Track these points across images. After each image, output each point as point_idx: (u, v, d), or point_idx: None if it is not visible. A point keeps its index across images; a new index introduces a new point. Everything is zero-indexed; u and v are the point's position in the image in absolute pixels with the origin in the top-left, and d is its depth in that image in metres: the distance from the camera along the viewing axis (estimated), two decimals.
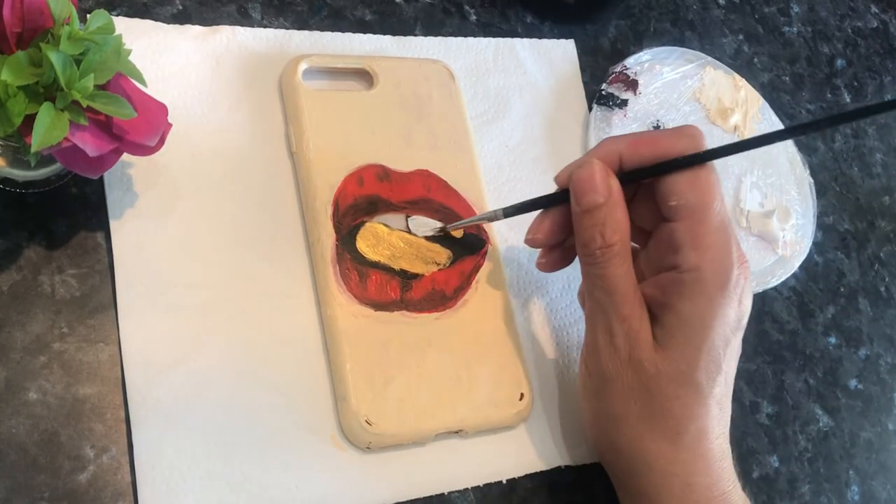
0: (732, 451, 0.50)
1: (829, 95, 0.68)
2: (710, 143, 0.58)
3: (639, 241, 0.42)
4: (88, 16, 0.34)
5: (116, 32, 0.34)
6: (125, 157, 0.37)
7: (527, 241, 0.43)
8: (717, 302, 0.38)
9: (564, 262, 0.44)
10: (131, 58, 0.35)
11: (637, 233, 0.42)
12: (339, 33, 0.50)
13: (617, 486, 0.43)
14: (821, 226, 0.61)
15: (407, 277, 0.44)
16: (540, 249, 0.44)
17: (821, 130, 0.37)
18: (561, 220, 0.42)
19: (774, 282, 0.56)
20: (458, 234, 0.46)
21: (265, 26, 0.48)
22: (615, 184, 0.39)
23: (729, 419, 0.41)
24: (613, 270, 0.39)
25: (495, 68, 0.54)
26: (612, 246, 0.39)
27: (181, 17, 0.46)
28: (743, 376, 0.53)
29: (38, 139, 0.32)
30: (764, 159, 0.60)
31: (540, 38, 0.56)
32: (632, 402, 0.39)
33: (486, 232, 0.47)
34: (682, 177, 0.39)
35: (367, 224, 0.44)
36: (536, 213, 0.43)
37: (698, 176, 0.39)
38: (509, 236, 0.49)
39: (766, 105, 0.63)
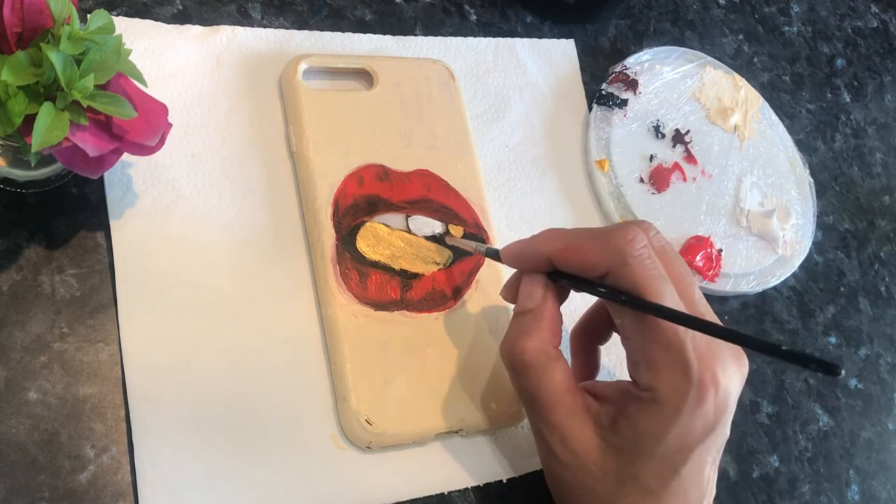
0: (732, 452, 0.50)
1: (829, 95, 0.68)
2: (710, 142, 0.58)
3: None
4: (88, 16, 0.34)
5: (116, 32, 0.34)
6: (125, 157, 0.37)
7: (501, 295, 0.42)
8: (672, 421, 0.36)
9: None
10: (131, 58, 0.35)
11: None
12: (339, 33, 0.50)
13: None
14: (821, 225, 0.62)
15: (407, 277, 0.44)
16: None
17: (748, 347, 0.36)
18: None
19: (774, 281, 0.56)
20: (458, 234, 0.46)
21: (265, 26, 0.48)
22: (549, 291, 0.39)
23: None
24: (530, 381, 0.38)
25: (495, 68, 0.54)
26: (525, 358, 0.38)
27: (181, 17, 0.46)
28: None
29: (39, 139, 0.32)
30: (764, 159, 0.60)
31: (540, 37, 0.56)
32: (579, 499, 0.38)
33: (486, 232, 0.47)
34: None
35: (367, 224, 0.44)
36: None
37: (631, 291, 0.36)
38: (509, 236, 0.49)
39: (766, 105, 0.63)
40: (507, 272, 0.47)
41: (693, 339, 0.36)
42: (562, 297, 0.40)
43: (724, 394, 0.36)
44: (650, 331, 0.36)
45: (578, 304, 0.44)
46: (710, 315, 0.39)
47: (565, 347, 0.45)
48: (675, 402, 0.36)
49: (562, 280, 0.39)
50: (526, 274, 0.40)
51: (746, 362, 0.38)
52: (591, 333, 0.44)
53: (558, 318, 0.39)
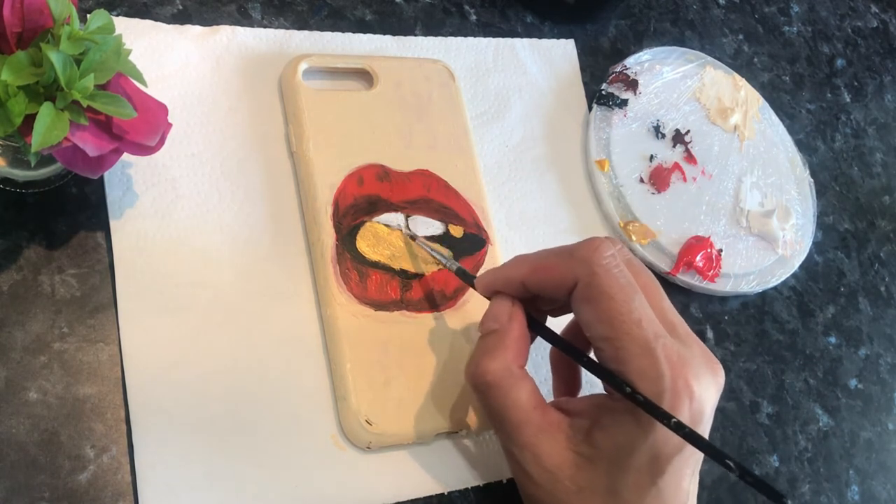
0: (733, 452, 0.51)
1: (829, 95, 0.68)
2: (710, 142, 0.58)
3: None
4: (88, 16, 0.34)
5: (116, 32, 0.34)
6: (125, 157, 0.37)
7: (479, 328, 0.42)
8: (647, 431, 0.35)
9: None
10: (131, 58, 0.35)
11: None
12: (339, 33, 0.50)
13: None
14: (821, 225, 0.61)
15: (407, 277, 0.44)
16: None
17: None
18: None
19: (774, 281, 0.56)
20: (457, 233, 0.46)
21: (265, 26, 0.48)
22: (517, 312, 0.39)
23: None
24: (495, 402, 0.38)
25: (495, 68, 0.54)
26: (487, 379, 0.37)
27: (181, 17, 0.46)
28: (743, 376, 0.53)
29: (39, 139, 0.32)
30: (764, 159, 0.60)
31: (540, 37, 0.56)
32: None
33: (486, 232, 0.47)
34: (585, 309, 0.37)
35: (367, 224, 0.44)
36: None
37: (598, 307, 0.36)
38: (509, 236, 0.49)
39: (766, 105, 0.63)
40: None
41: (664, 349, 0.36)
42: (541, 317, 0.41)
43: (698, 403, 0.36)
44: (619, 341, 0.36)
45: (561, 319, 0.43)
46: (681, 325, 0.39)
47: (539, 366, 0.46)
48: (647, 416, 0.35)
49: (539, 334, 0.40)
50: (494, 296, 0.40)
51: (722, 372, 0.38)
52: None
53: (524, 338, 0.39)
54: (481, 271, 0.45)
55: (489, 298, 0.41)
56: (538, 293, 0.39)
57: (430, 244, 0.44)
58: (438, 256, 0.44)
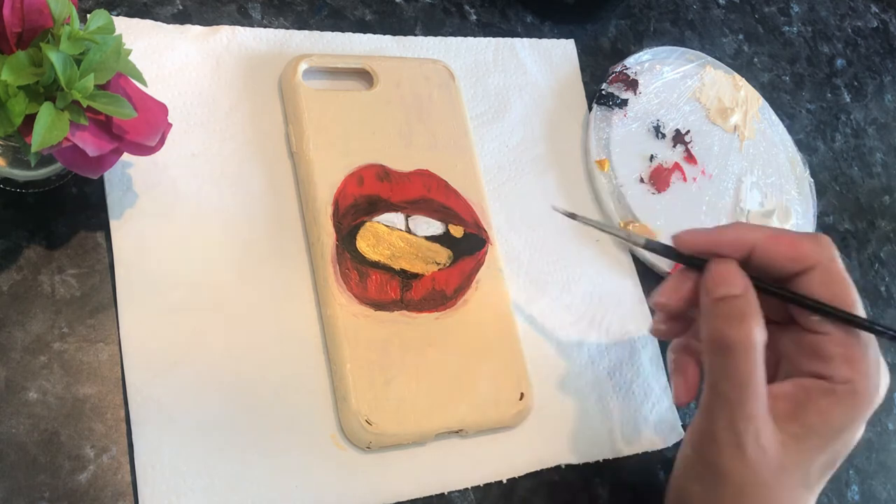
0: None
1: (829, 95, 0.68)
2: (710, 142, 0.58)
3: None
4: (88, 16, 0.34)
5: (116, 32, 0.34)
6: (125, 157, 0.37)
7: (655, 304, 0.41)
8: (864, 414, 0.38)
9: (684, 330, 0.43)
10: (131, 58, 0.35)
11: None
12: (339, 33, 0.50)
13: None
14: (821, 226, 0.61)
15: (407, 277, 0.44)
16: (660, 314, 0.43)
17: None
18: (696, 290, 0.40)
19: None
20: (458, 233, 0.46)
21: (265, 26, 0.48)
22: (749, 280, 0.38)
23: None
24: (746, 367, 0.37)
25: (495, 68, 0.54)
26: (748, 341, 0.37)
27: (181, 17, 0.46)
28: None
29: (39, 139, 0.32)
30: (764, 159, 0.60)
31: (540, 37, 0.56)
32: (747, 496, 0.38)
33: (486, 232, 0.47)
34: (820, 292, 0.38)
35: (367, 224, 0.44)
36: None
37: (832, 292, 0.38)
38: (509, 236, 0.49)
39: (766, 105, 0.63)
40: (508, 270, 0.47)
41: (875, 349, 0.39)
42: None
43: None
44: (850, 330, 0.38)
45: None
46: None
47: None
48: (868, 395, 0.38)
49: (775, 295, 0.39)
50: (715, 261, 0.39)
51: None
52: (696, 347, 0.43)
53: (760, 307, 0.38)
54: (482, 272, 0.46)
55: (685, 263, 0.40)
56: (761, 262, 0.39)
57: (592, 220, 0.44)
58: (611, 230, 0.44)
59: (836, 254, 0.39)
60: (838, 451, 0.39)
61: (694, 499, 0.40)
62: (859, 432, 0.39)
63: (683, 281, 0.40)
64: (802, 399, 0.38)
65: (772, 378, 0.39)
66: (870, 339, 0.38)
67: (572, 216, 0.44)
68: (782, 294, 0.39)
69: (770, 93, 0.65)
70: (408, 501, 0.40)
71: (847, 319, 0.38)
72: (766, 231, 0.40)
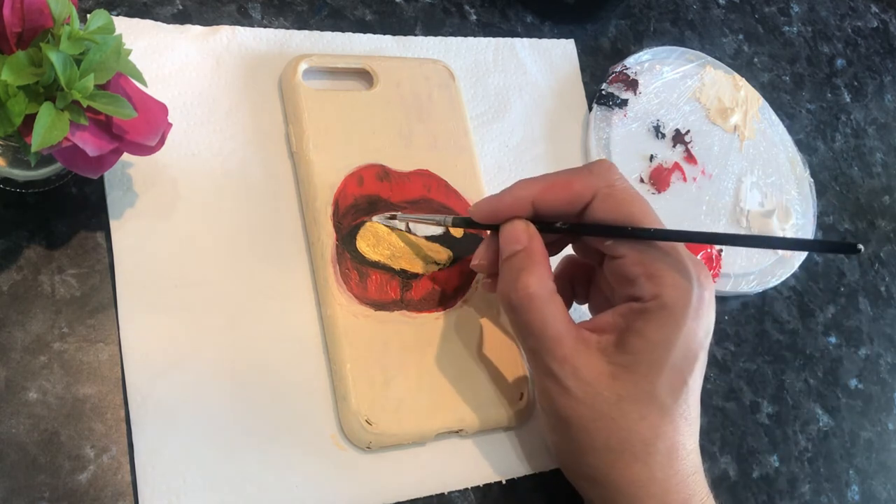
0: (733, 452, 0.50)
1: (829, 95, 0.68)
2: (710, 142, 0.58)
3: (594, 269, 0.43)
4: (88, 16, 0.34)
5: (116, 32, 0.34)
6: (125, 157, 0.37)
7: (473, 267, 0.42)
8: (682, 322, 0.37)
9: None
10: (131, 58, 0.35)
11: (586, 267, 0.44)
12: (339, 33, 0.50)
13: None
14: (821, 226, 0.61)
15: (407, 277, 0.44)
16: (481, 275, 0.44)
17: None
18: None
19: (774, 281, 0.56)
20: (458, 233, 0.46)
21: (265, 26, 0.48)
22: (534, 231, 0.39)
23: (698, 433, 0.40)
24: (536, 315, 0.38)
25: (495, 68, 0.54)
26: (525, 294, 0.38)
27: (181, 17, 0.46)
28: (743, 376, 0.53)
29: (39, 139, 0.32)
30: (764, 159, 0.60)
31: (540, 37, 0.56)
32: (595, 433, 0.38)
33: (485, 231, 0.47)
34: (607, 219, 0.39)
35: (367, 224, 0.44)
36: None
37: (620, 213, 0.38)
38: None
39: (766, 105, 0.63)
40: None
41: (684, 249, 0.38)
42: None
43: (711, 293, 0.39)
44: (645, 243, 0.38)
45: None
46: None
47: None
48: (681, 305, 0.37)
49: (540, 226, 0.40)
50: (504, 223, 0.40)
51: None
52: (566, 289, 0.44)
53: (548, 257, 0.40)
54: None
55: (487, 229, 0.41)
56: (547, 211, 0.40)
57: (416, 215, 0.45)
58: (428, 219, 0.44)
59: (617, 177, 0.39)
60: (680, 368, 0.38)
61: (558, 449, 0.41)
62: (694, 342, 0.38)
63: (491, 243, 0.42)
64: (623, 327, 0.38)
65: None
66: (670, 249, 0.38)
67: (393, 217, 0.44)
68: (563, 229, 0.40)
69: (770, 93, 0.65)
70: (408, 501, 0.40)
71: (629, 234, 0.38)
72: (541, 182, 0.40)
